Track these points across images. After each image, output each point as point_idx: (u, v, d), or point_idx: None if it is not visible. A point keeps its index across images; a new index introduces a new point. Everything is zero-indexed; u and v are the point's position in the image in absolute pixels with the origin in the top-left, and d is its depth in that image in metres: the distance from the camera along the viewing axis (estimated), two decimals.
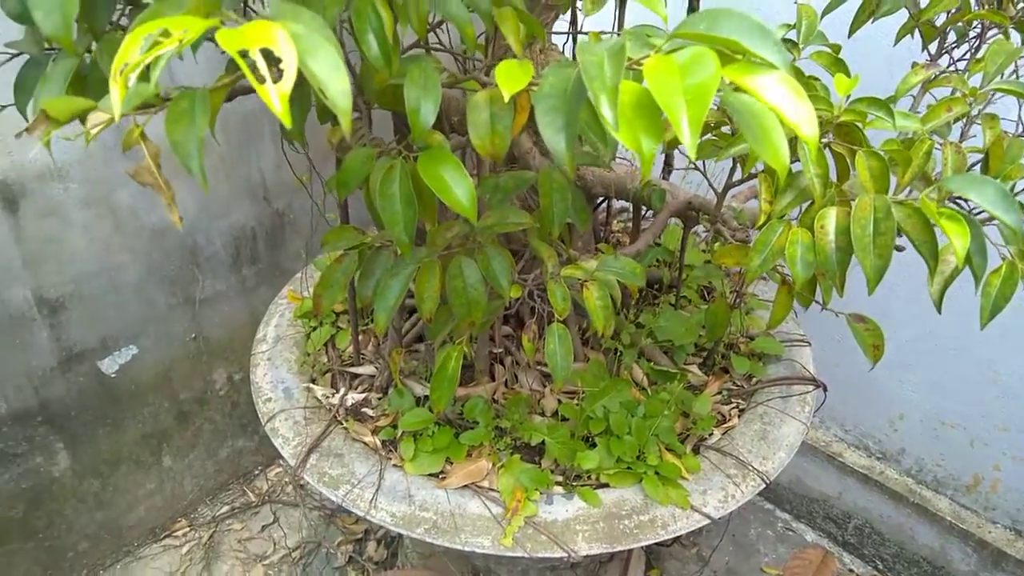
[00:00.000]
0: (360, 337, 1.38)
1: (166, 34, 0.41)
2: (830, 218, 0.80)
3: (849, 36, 1.27)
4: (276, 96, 0.39)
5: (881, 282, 0.75)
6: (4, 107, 0.67)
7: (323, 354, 1.45)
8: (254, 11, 0.60)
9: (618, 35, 0.54)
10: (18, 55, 0.66)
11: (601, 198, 1.43)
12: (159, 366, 1.96)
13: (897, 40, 1.22)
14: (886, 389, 2.00)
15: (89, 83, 0.61)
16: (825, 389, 1.34)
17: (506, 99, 0.59)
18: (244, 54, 0.40)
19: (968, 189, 0.69)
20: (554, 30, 1.23)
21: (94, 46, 0.56)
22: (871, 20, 1.26)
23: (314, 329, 1.51)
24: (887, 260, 0.74)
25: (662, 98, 0.47)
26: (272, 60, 0.40)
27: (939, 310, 0.81)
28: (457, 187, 0.67)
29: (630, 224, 1.68)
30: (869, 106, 0.80)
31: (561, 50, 1.32)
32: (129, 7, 0.63)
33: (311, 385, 1.33)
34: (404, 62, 0.66)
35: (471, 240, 0.88)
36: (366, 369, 1.36)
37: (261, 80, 0.39)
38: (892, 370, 1.96)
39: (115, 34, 0.57)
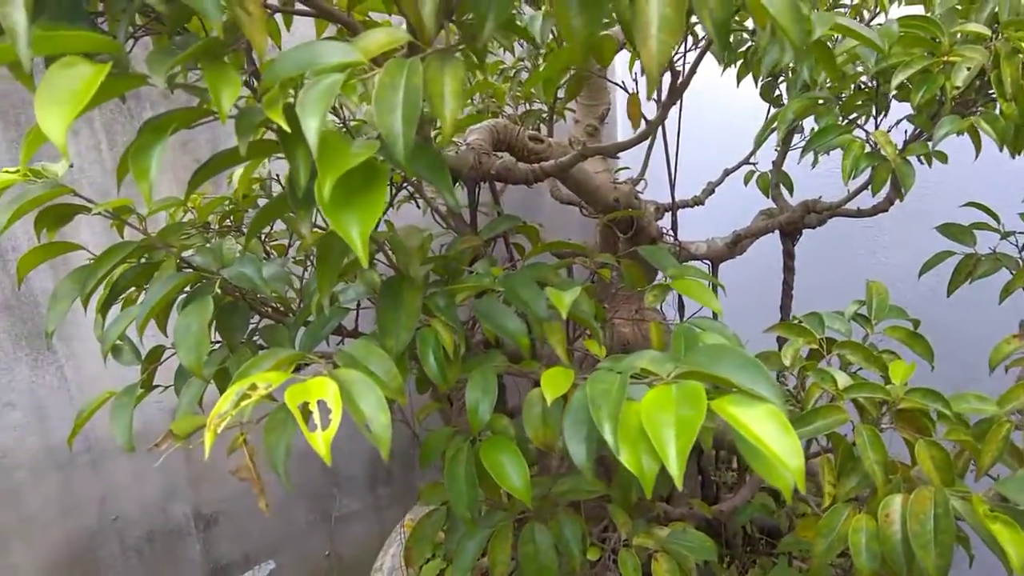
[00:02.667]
0: None
1: (253, 388, 0.54)
2: (895, 506, 0.80)
3: (948, 296, 1.28)
4: (321, 441, 0.50)
5: None
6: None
7: None
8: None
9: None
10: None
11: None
12: None
13: (1001, 299, 1.23)
14: None
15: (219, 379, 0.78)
16: None
17: (549, 402, 0.69)
18: (303, 406, 0.52)
19: (1021, 494, 0.68)
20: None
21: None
22: (968, 282, 1.28)
23: (427, 561, 1.58)
24: (948, 559, 0.72)
25: (652, 430, 0.54)
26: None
27: None
28: (514, 474, 0.75)
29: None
30: (924, 397, 0.82)
31: (661, 313, 1.41)
32: (259, 321, 0.81)
33: None
34: (470, 362, 0.78)
35: (547, 504, 0.95)
36: None
37: (312, 428, 0.51)
38: None
39: (243, 352, 0.74)
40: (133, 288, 0.87)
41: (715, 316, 1.51)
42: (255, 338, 0.79)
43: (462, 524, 0.86)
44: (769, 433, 0.55)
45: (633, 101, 1.01)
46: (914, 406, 0.83)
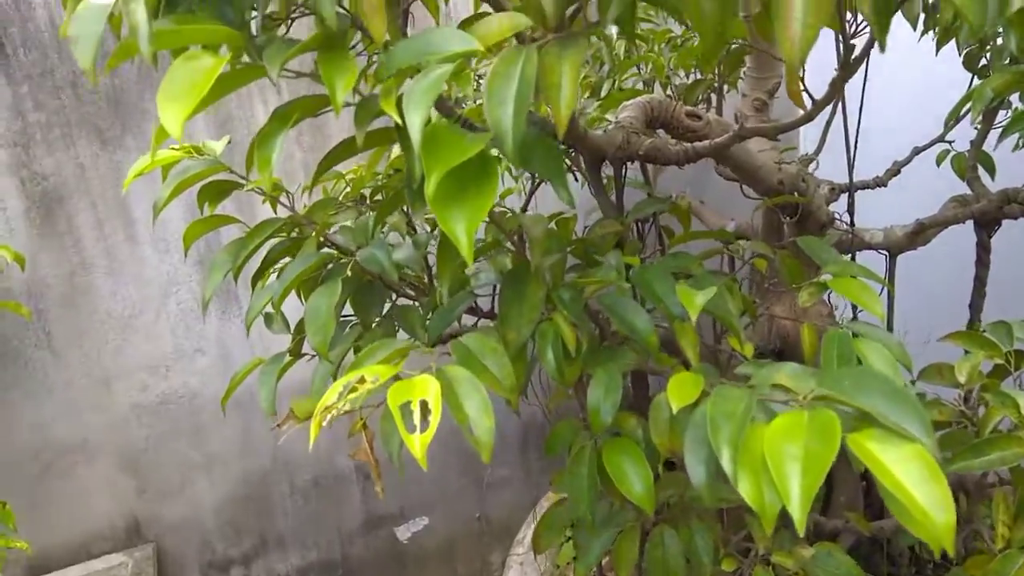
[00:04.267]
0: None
1: (362, 380, 0.55)
2: None
3: None
4: (418, 443, 0.50)
5: None
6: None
7: (571, 569, 1.50)
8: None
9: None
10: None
11: None
12: (445, 540, 2.16)
13: None
14: None
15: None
16: None
17: (675, 411, 0.64)
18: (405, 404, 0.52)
19: None
20: None
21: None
22: None
23: (568, 539, 1.58)
24: None
25: (775, 463, 0.49)
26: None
27: None
28: (636, 479, 0.72)
29: None
30: None
31: (829, 306, 1.30)
32: (395, 296, 0.83)
33: None
34: (594, 356, 0.75)
35: (680, 507, 0.91)
36: None
37: (411, 430, 0.51)
38: None
39: (376, 332, 0.76)
40: (286, 259, 0.92)
41: (889, 321, 1.37)
42: (392, 316, 0.81)
43: (607, 507, 0.84)
44: (913, 479, 0.48)
45: (792, 76, 0.91)
46: None
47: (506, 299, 0.68)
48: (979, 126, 1.29)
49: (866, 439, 0.51)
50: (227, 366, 1.87)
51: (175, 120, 0.43)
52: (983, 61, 1.26)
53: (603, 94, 1.36)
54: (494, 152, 0.50)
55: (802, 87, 1.18)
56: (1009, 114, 1.16)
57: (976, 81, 1.27)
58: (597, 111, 1.22)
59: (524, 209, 1.26)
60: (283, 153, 1.68)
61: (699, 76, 1.53)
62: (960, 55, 1.26)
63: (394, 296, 0.85)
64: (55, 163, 1.61)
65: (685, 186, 1.84)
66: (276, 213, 0.88)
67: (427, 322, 0.77)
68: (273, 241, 0.84)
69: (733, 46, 1.02)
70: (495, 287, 0.89)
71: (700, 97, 1.53)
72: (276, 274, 0.92)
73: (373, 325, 0.78)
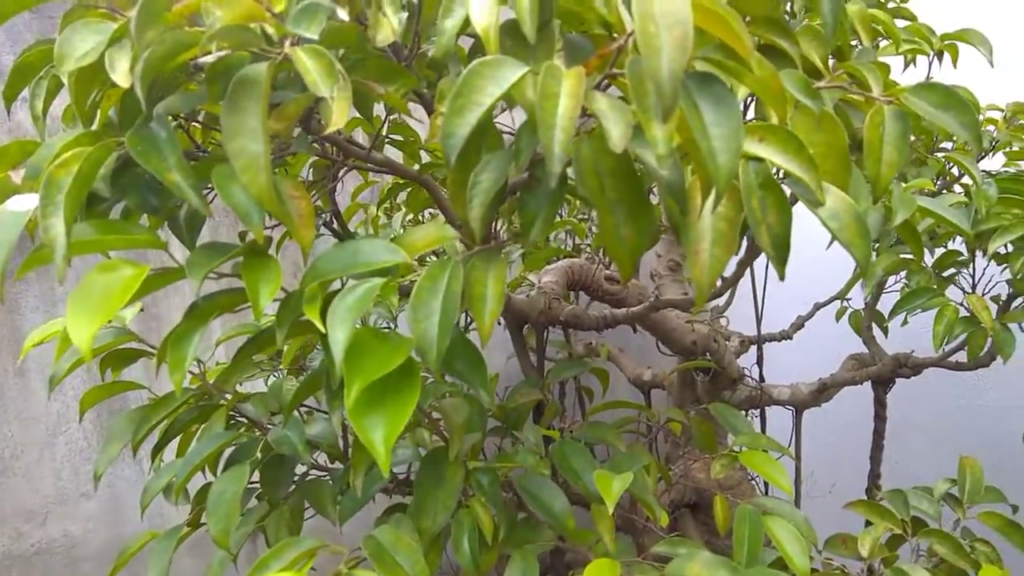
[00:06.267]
0: None
1: None
2: None
3: None
4: None
5: None
6: None
7: None
8: None
9: None
10: None
11: None
12: None
13: None
14: None
15: None
16: None
17: None
18: None
19: None
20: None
21: None
22: None
23: None
24: None
25: None
26: None
27: None
28: None
29: None
30: None
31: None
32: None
33: None
34: (511, 535, 0.74)
35: None
36: None
37: None
38: None
39: (283, 512, 0.73)
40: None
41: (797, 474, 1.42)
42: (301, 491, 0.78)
43: None
44: None
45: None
46: None
47: (422, 485, 0.67)
48: (871, 294, 1.39)
49: None
50: (116, 512, 1.74)
51: (85, 335, 0.41)
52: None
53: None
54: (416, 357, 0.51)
55: None
56: (900, 277, 1.25)
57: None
58: (520, 270, 1.25)
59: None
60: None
61: None
62: None
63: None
64: None
65: (611, 335, 1.88)
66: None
67: (338, 499, 0.75)
68: None
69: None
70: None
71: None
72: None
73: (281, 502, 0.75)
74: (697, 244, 0.49)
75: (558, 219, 1.31)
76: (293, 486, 0.80)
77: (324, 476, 0.81)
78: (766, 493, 1.36)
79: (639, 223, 0.51)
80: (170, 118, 0.52)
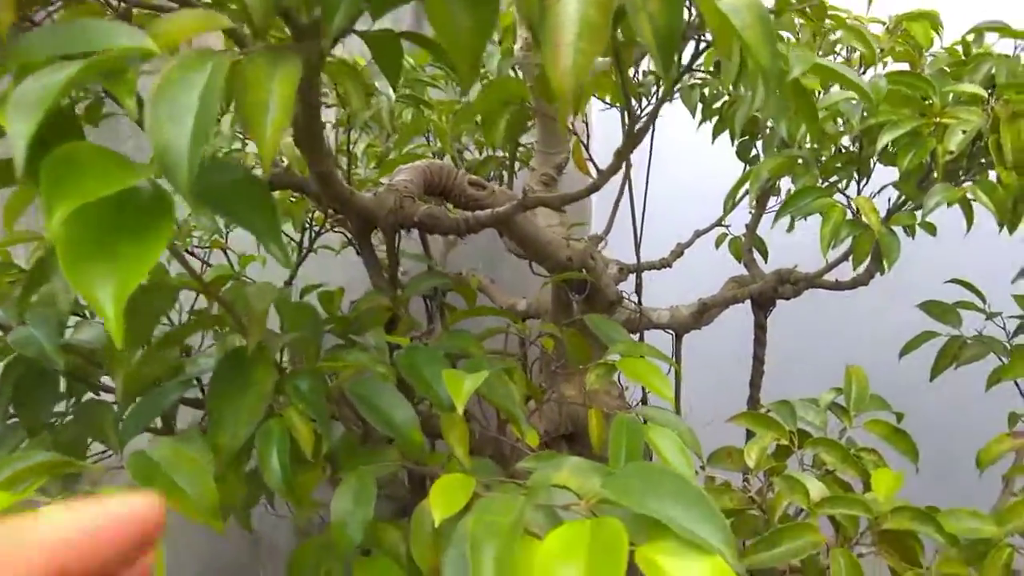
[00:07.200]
0: None
1: None
2: None
3: (931, 380, 1.15)
4: None
5: None
6: None
7: None
8: None
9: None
10: None
11: None
12: None
13: (988, 387, 1.09)
14: None
15: None
16: None
17: (436, 523, 0.52)
18: None
19: None
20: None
21: None
22: (954, 367, 1.14)
23: None
24: None
25: None
26: None
27: None
28: None
29: None
30: (914, 519, 0.66)
31: (620, 387, 1.25)
32: None
33: None
34: (350, 459, 0.61)
35: None
36: None
37: None
38: None
39: (44, 439, 0.56)
40: None
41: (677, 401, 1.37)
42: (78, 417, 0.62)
43: None
44: None
45: (579, 147, 0.86)
46: (902, 526, 0.68)
47: (218, 392, 0.52)
48: (753, 211, 1.33)
49: (657, 552, 0.40)
50: None
51: None
52: (754, 152, 1.31)
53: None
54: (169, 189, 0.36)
55: (588, 157, 1.15)
56: (780, 199, 1.21)
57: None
58: (374, 175, 1.11)
59: (289, 282, 1.10)
60: None
61: (491, 153, 1.48)
62: (733, 145, 1.31)
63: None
64: None
65: (476, 263, 1.77)
66: None
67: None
68: None
69: (513, 107, 0.95)
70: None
71: (491, 174, 1.48)
72: None
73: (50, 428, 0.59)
74: (557, 35, 0.37)
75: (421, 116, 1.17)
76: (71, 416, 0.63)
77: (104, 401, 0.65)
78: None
79: (480, 11, 0.39)
80: None
